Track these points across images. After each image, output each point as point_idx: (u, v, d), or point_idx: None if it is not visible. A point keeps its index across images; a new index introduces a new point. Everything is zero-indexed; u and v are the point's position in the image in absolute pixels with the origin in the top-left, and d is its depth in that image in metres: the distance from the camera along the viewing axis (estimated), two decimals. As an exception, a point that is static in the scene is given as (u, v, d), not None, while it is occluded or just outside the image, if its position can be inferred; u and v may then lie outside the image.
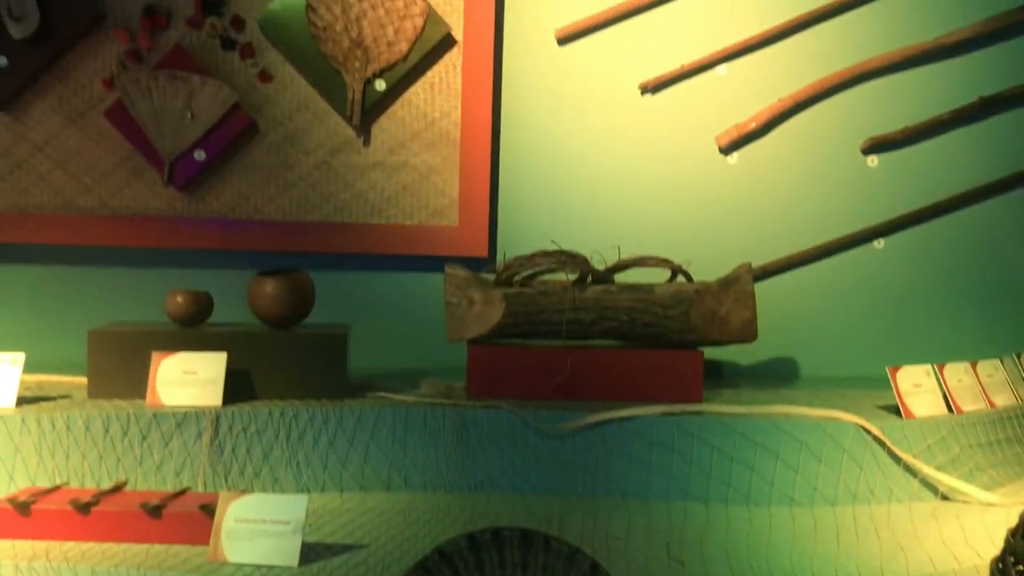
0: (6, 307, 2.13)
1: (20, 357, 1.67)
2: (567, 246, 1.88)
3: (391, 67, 2.11)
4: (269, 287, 1.79)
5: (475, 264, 2.14)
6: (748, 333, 1.88)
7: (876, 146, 2.23)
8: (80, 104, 2.09)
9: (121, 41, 2.08)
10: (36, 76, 2.07)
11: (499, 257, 2.17)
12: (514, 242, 2.18)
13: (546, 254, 1.83)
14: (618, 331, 1.84)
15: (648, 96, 2.22)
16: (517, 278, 1.85)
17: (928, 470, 1.68)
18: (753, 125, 2.20)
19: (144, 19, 2.08)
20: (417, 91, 2.16)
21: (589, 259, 1.85)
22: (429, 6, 2.11)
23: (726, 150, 2.23)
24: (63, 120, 2.09)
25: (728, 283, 1.88)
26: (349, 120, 2.12)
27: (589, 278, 1.85)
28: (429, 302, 2.15)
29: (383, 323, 2.18)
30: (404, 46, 2.11)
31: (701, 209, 2.23)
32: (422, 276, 2.18)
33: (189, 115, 2.07)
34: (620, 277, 1.89)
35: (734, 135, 2.21)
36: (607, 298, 1.83)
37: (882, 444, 1.69)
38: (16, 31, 2.02)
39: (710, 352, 1.94)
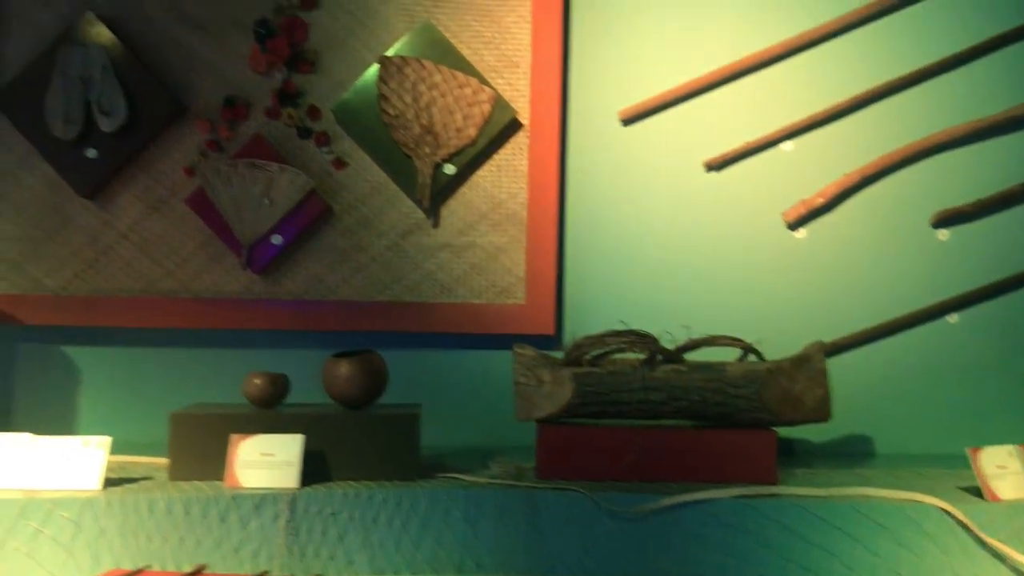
0: (90, 387, 2.20)
1: (107, 441, 1.72)
2: (635, 324, 1.89)
3: (460, 152, 2.17)
4: (344, 369, 1.83)
5: (542, 342, 2.16)
6: (822, 412, 1.86)
7: (947, 219, 2.21)
8: (163, 192, 2.19)
9: (203, 131, 2.18)
10: (122, 166, 2.17)
11: (566, 335, 2.20)
12: (581, 320, 2.20)
13: (615, 334, 1.84)
14: (689, 411, 1.83)
15: (713, 173, 2.24)
16: (586, 357, 1.86)
17: (1018, 556, 1.63)
18: (820, 200, 2.20)
19: (224, 110, 2.17)
20: (484, 174, 2.21)
21: (658, 339, 1.85)
22: (496, 93, 2.17)
23: (793, 225, 2.23)
24: (146, 208, 2.18)
25: (801, 362, 1.86)
26: (420, 203, 2.18)
27: (659, 358, 1.85)
28: (497, 380, 2.17)
29: (452, 401, 2.20)
30: (472, 132, 2.17)
31: (769, 285, 2.22)
32: (490, 354, 2.21)
33: (267, 201, 2.15)
34: (690, 356, 1.89)
35: (801, 211, 2.21)
36: (677, 378, 1.83)
37: (967, 528, 1.64)
38: (105, 124, 2.12)
39: (782, 430, 1.91)
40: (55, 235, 2.18)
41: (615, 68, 2.23)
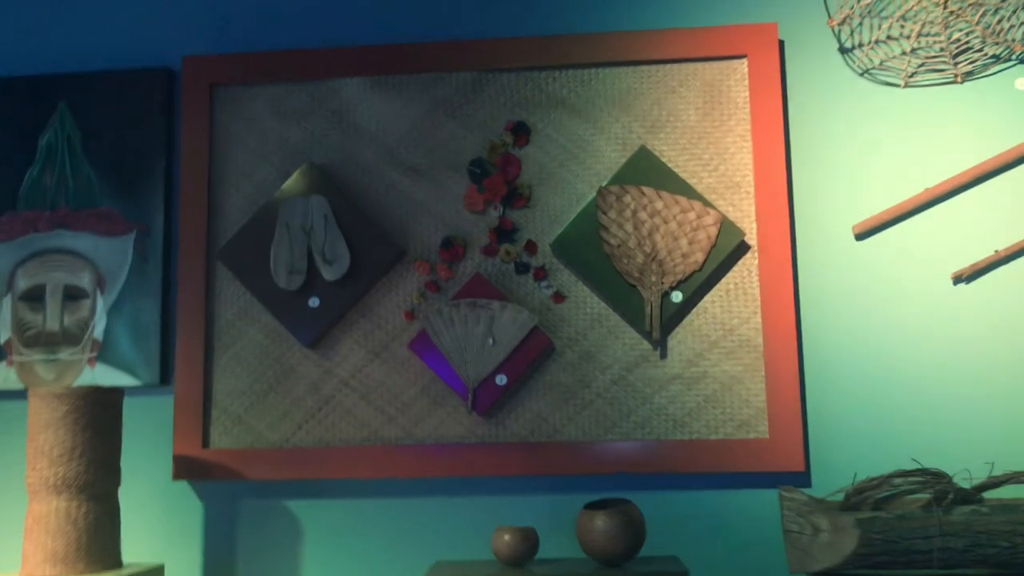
0: (314, 543, 2.12)
1: (362, 609, 1.62)
2: (887, 455, 1.70)
3: (687, 278, 2.07)
4: (600, 522, 1.70)
5: (791, 479, 2.00)
6: None
7: None
8: (383, 337, 2.15)
9: (422, 273, 2.14)
10: (343, 314, 2.14)
11: (813, 471, 2.02)
12: (828, 454, 2.02)
13: (904, 473, 1.66)
14: (997, 559, 1.62)
15: (963, 285, 2.06)
16: (870, 500, 1.68)
17: None
18: (1093, 309, 1.99)
19: (442, 251, 2.14)
20: (712, 299, 2.09)
21: (952, 477, 1.66)
22: (722, 215, 2.07)
23: (1061, 338, 2.02)
24: (367, 354, 2.14)
25: (1122, 497, 1.63)
26: (648, 335, 2.07)
27: (950, 497, 1.66)
28: (745, 523, 2.00)
29: (696, 547, 2.03)
30: (700, 256, 2.06)
31: (1040, 405, 2.00)
32: (734, 495, 2.04)
33: (491, 341, 2.08)
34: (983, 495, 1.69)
35: (1071, 321, 2.00)
36: (979, 521, 1.62)
37: None
38: (328, 273, 2.11)
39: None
40: (276, 386, 2.16)
41: (843, 181, 2.11)
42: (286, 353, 2.16)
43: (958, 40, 2.10)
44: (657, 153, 2.13)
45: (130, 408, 2.18)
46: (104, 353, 2.21)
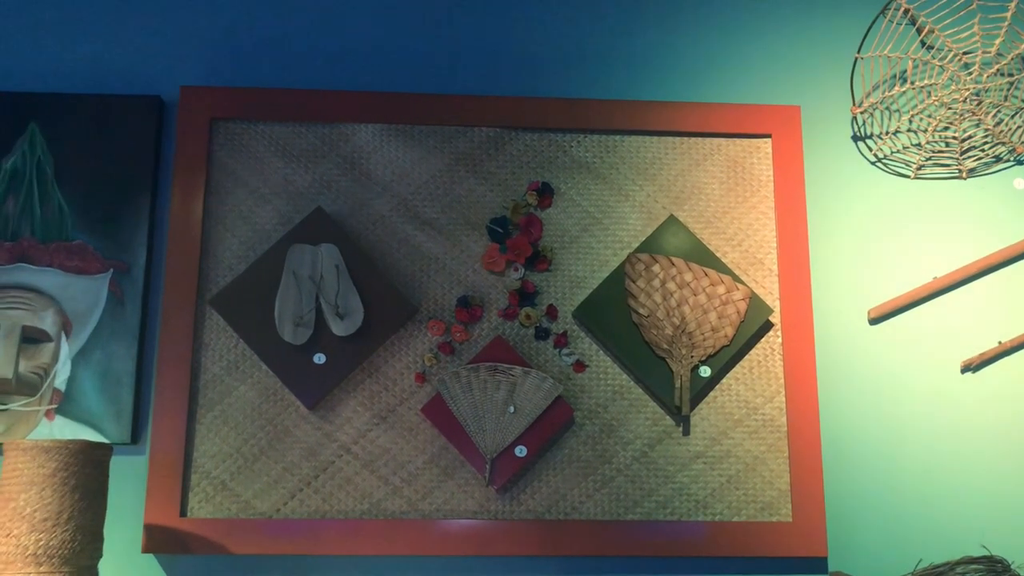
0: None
1: None
2: (904, 541, 1.67)
3: (716, 353, 2.02)
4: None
5: (812, 565, 1.95)
6: None
7: None
8: (391, 400, 1.99)
9: (435, 334, 2.01)
10: (349, 373, 1.97)
11: (830, 557, 1.98)
12: (845, 539, 1.99)
13: (969, 560, 1.63)
14: (1058, 650, 1.60)
15: (970, 374, 2.10)
16: (931, 588, 1.65)
17: None
18: (1095, 402, 2.06)
19: (459, 311, 2.02)
20: (736, 376, 2.05)
21: (1010, 564, 1.64)
22: (751, 291, 2.05)
23: (1063, 429, 2.08)
24: (372, 417, 1.98)
25: None
26: (676, 409, 1.99)
27: (1006, 585, 1.64)
28: (764, 609, 1.93)
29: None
30: (729, 331, 2.02)
31: (1045, 494, 2.04)
32: (754, 579, 1.97)
33: (511, 409, 1.95)
34: (1035, 583, 1.68)
35: (1074, 413, 2.06)
36: (1039, 610, 1.61)
37: None
38: (339, 328, 1.95)
39: None
40: (268, 450, 1.95)
41: (858, 264, 2.13)
42: (281, 413, 1.97)
43: (967, 138, 2.18)
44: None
45: (92, 469, 1.91)
46: (65, 405, 1.94)
